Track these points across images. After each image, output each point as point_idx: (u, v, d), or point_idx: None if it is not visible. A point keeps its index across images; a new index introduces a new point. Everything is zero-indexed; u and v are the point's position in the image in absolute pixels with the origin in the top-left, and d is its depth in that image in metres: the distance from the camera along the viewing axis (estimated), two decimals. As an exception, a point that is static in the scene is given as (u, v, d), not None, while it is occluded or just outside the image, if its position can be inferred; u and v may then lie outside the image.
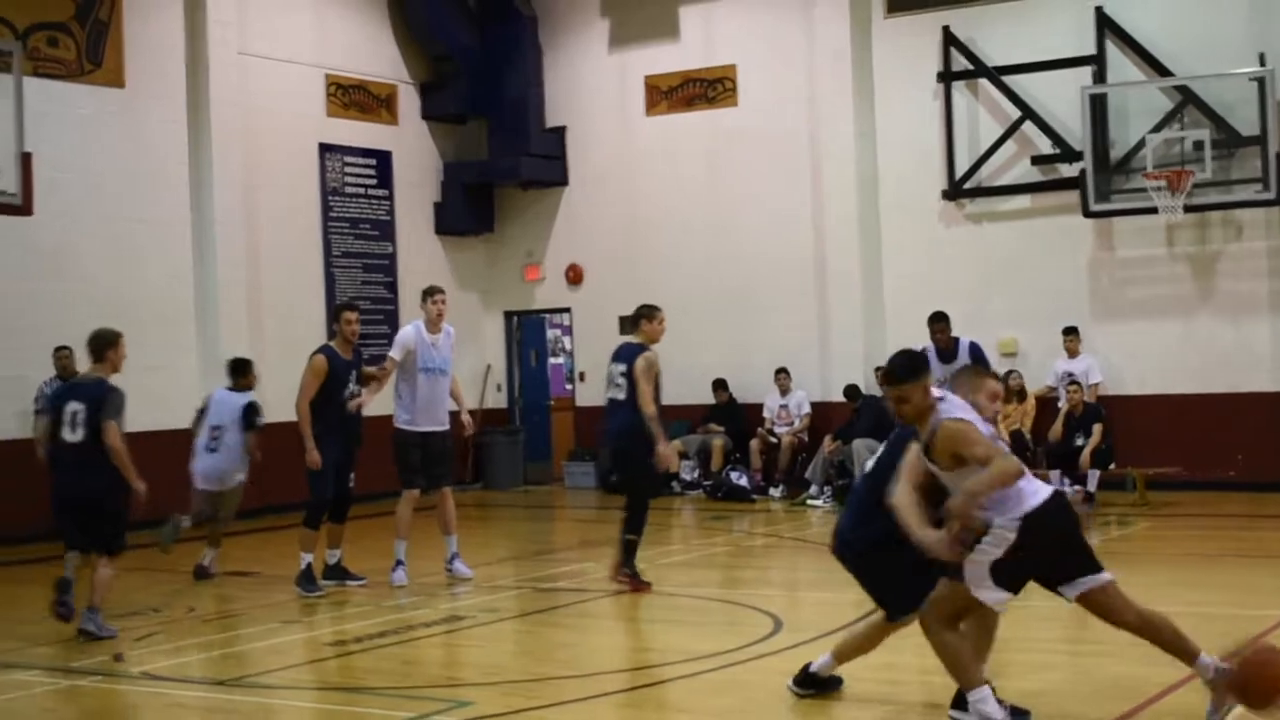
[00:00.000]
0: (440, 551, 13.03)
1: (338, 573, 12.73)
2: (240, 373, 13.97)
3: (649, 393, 11.83)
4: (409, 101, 22.10)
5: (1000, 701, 7.00)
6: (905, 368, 7.07)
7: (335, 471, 12.37)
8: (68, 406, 10.74)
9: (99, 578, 10.70)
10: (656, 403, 11.95)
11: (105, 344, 10.94)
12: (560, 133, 22.56)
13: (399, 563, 12.65)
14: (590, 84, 22.35)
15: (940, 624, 7.02)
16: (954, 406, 7.01)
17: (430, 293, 12.95)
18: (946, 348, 14.05)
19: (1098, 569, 6.95)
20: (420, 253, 22.03)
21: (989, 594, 6.88)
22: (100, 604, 10.69)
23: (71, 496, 10.76)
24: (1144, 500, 17.11)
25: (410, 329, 12.89)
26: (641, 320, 12.25)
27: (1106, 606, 6.96)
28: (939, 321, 14.36)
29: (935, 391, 7.10)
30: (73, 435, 10.66)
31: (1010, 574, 6.86)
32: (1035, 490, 6.93)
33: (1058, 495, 7.06)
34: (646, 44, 21.90)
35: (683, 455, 19.79)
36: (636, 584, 12.06)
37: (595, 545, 15.38)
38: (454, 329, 13.19)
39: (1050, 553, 6.91)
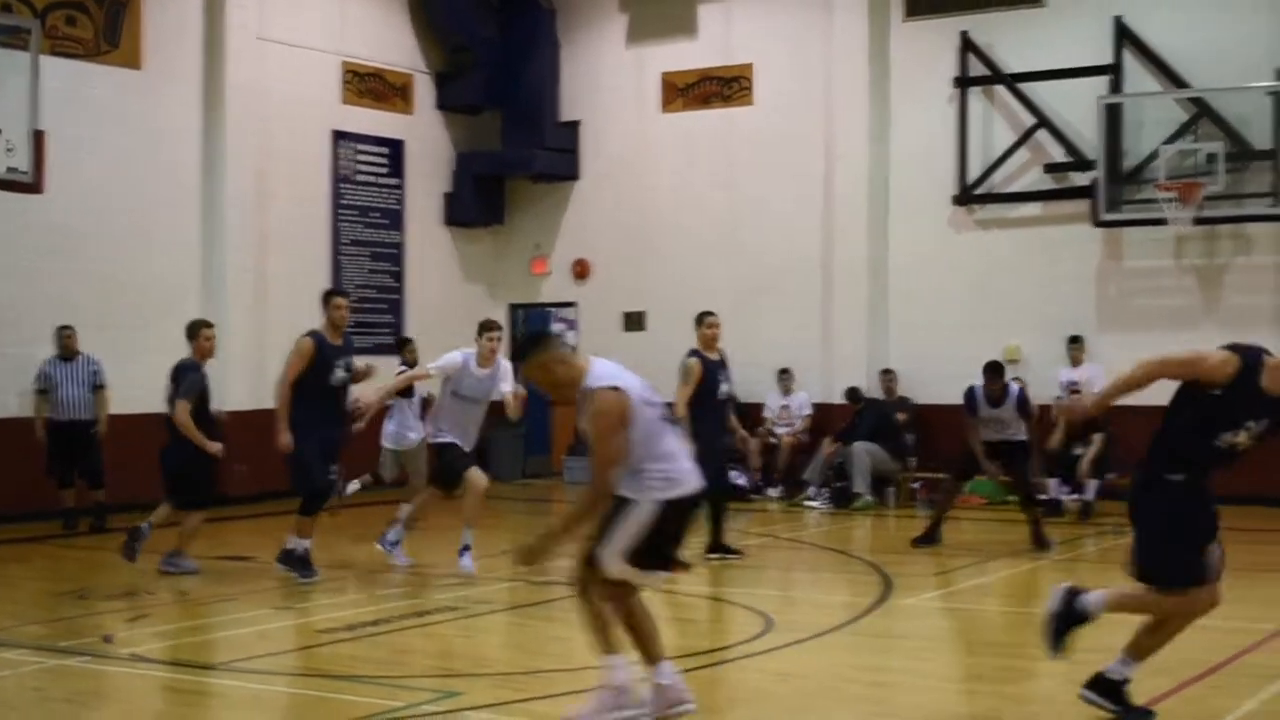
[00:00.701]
0: (452, 543, 12.92)
1: (286, 558, 12.40)
2: (402, 348, 16.91)
3: (681, 395, 13.09)
4: (424, 91, 22.10)
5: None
6: (520, 347, 7.42)
7: (323, 459, 12.21)
8: (169, 386, 12.56)
9: (182, 527, 12.63)
10: (696, 404, 13.15)
11: (187, 334, 12.77)
12: (574, 127, 22.54)
13: (466, 548, 12.66)
14: (606, 79, 22.32)
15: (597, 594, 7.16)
16: (605, 376, 7.06)
17: (485, 328, 12.84)
18: (997, 397, 14.60)
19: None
20: (428, 243, 22.05)
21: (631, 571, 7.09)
22: (181, 547, 12.58)
23: (161, 459, 12.66)
24: (1143, 511, 17.00)
25: (458, 356, 12.63)
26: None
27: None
28: (992, 373, 14.70)
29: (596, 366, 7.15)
30: (168, 409, 12.48)
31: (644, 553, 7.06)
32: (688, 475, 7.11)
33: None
34: (664, 40, 21.87)
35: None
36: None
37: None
38: (508, 363, 12.84)
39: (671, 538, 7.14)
